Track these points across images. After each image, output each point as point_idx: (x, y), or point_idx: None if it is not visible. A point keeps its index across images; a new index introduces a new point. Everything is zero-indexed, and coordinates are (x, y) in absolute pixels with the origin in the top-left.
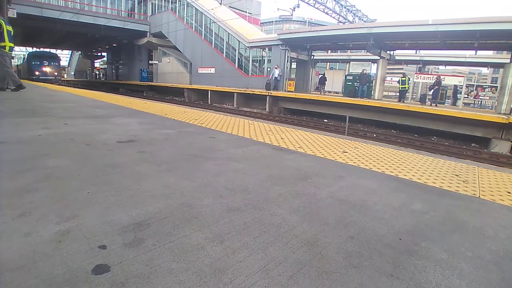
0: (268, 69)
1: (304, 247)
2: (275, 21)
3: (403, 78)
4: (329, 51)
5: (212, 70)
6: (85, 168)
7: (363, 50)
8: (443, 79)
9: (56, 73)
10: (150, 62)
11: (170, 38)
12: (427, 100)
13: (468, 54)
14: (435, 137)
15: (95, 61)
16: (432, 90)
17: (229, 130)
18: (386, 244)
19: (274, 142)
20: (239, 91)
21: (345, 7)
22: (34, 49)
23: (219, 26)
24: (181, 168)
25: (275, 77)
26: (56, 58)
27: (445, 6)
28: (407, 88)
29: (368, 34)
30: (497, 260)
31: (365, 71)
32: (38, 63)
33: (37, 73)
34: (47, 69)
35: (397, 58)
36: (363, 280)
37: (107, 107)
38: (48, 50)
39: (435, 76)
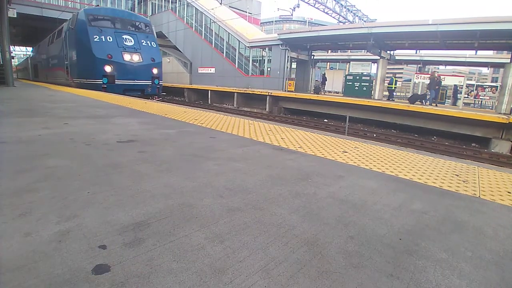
0: (268, 69)
1: (304, 247)
2: (275, 21)
3: (395, 78)
4: (329, 51)
5: (212, 70)
6: (85, 168)
7: (363, 50)
8: (443, 79)
9: (156, 71)
10: None
11: (170, 38)
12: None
13: (468, 54)
14: (435, 137)
15: None
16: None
17: (229, 130)
18: (386, 244)
19: (274, 142)
20: (239, 91)
21: (345, 7)
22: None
23: (219, 26)
24: (181, 168)
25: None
26: (150, 31)
27: (445, 6)
28: (393, 88)
29: (368, 34)
30: (497, 260)
31: (436, 73)
32: (108, 39)
33: (108, 69)
34: (135, 59)
35: (397, 58)
36: (363, 280)
37: (107, 107)
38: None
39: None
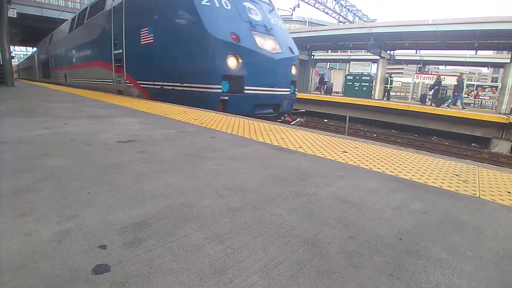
0: None
1: (304, 247)
2: None
3: (391, 78)
4: (329, 51)
5: None
6: (85, 168)
7: (363, 50)
8: (443, 79)
9: (295, 71)
10: None
11: None
12: (427, 100)
13: (468, 54)
14: (435, 137)
15: None
16: (433, 90)
17: (229, 130)
18: (386, 244)
19: (274, 142)
20: None
21: (345, 7)
22: (34, 49)
23: None
24: (181, 168)
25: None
26: (272, 4)
27: (445, 6)
28: (388, 87)
29: (368, 34)
30: (497, 260)
31: (463, 76)
32: (225, 5)
33: (233, 64)
34: (269, 46)
35: (397, 58)
36: (363, 280)
37: (107, 107)
38: None
39: (435, 76)
